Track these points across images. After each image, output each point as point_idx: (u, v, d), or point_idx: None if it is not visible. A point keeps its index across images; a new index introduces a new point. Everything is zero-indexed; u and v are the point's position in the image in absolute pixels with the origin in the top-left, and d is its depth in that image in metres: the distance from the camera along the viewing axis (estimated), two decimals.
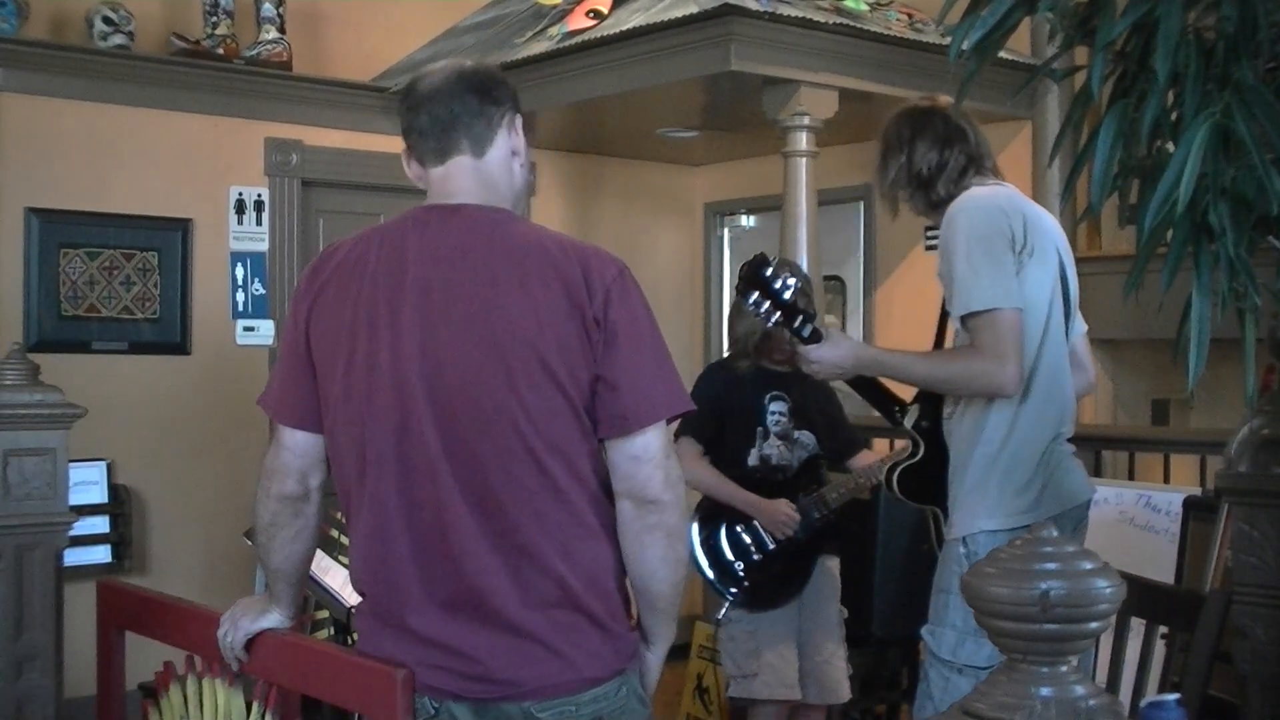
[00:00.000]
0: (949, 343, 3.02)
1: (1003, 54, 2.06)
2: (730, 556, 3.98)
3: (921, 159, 2.94)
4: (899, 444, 3.84)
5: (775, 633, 3.93)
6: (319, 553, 3.16)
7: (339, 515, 2.37)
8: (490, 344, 2.00)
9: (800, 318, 2.94)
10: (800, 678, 3.96)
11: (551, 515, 2.03)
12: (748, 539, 3.97)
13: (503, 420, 2.00)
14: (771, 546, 3.94)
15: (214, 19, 5.63)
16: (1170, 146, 1.85)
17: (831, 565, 4.08)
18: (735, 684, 3.98)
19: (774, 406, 3.97)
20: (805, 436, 4.01)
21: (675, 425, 2.14)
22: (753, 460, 3.96)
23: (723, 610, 4.06)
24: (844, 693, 4.04)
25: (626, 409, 2.03)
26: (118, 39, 5.42)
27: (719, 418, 3.95)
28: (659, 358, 2.07)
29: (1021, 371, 2.73)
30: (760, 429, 3.97)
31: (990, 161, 3.00)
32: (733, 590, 3.96)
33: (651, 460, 2.04)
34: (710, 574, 3.99)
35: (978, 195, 2.86)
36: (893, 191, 3.03)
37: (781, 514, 3.87)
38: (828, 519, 3.96)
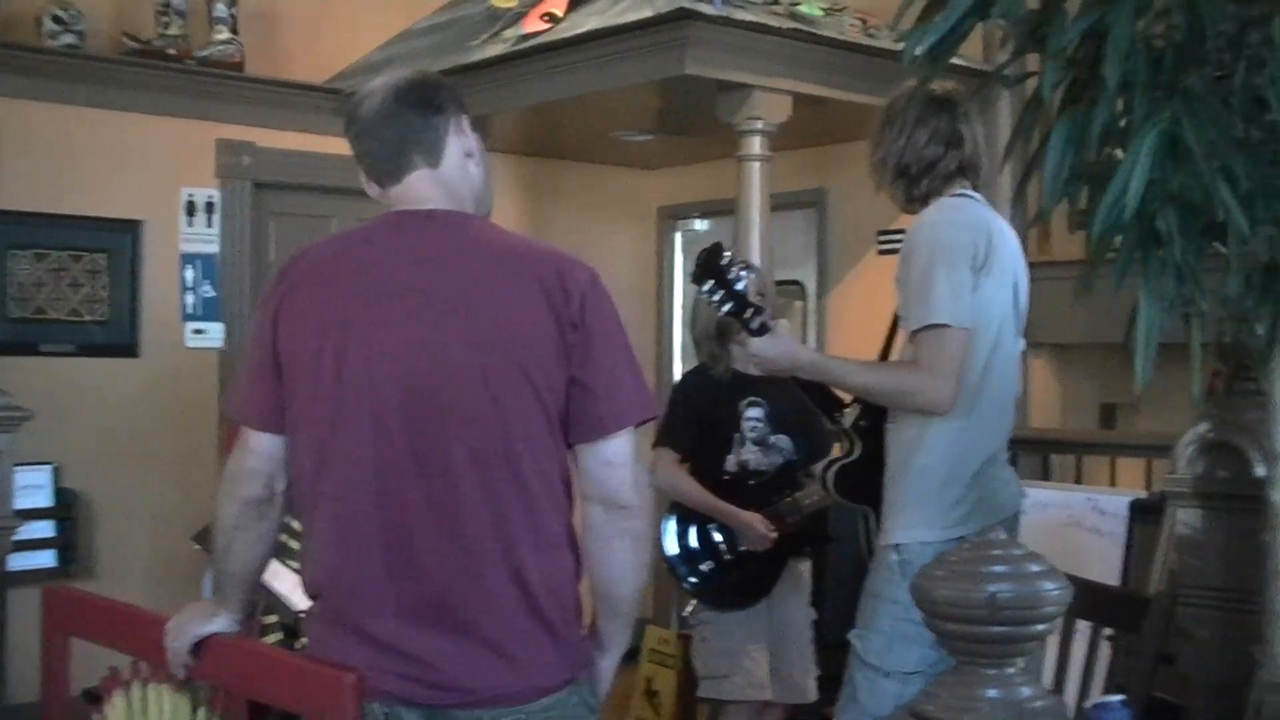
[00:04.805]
0: (897, 349, 3.03)
1: (955, 60, 2.07)
2: (702, 554, 3.99)
3: (913, 151, 2.88)
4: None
5: (746, 634, 3.94)
6: None
7: (289, 520, 2.34)
8: (468, 347, 2.00)
9: (751, 310, 2.94)
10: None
11: (519, 521, 2.02)
12: (719, 538, 3.98)
13: (477, 424, 1.99)
14: (743, 548, 3.95)
15: (166, 19, 5.57)
16: (1120, 153, 1.86)
17: (802, 568, 4.10)
18: (706, 685, 3.99)
19: (750, 412, 3.98)
20: (782, 441, 4.01)
21: (646, 431, 2.15)
22: (730, 466, 3.97)
23: (688, 608, 4.06)
24: (810, 693, 4.05)
25: (602, 412, 2.04)
26: (67, 38, 5.35)
27: (698, 425, 3.97)
28: (630, 362, 2.09)
29: (957, 392, 2.72)
30: (737, 435, 3.97)
31: (981, 171, 2.96)
32: (692, 579, 3.96)
33: (624, 465, 2.05)
34: (679, 567, 3.99)
35: (948, 207, 2.84)
36: (879, 169, 2.97)
37: (757, 531, 3.88)
38: (799, 524, 3.98)
